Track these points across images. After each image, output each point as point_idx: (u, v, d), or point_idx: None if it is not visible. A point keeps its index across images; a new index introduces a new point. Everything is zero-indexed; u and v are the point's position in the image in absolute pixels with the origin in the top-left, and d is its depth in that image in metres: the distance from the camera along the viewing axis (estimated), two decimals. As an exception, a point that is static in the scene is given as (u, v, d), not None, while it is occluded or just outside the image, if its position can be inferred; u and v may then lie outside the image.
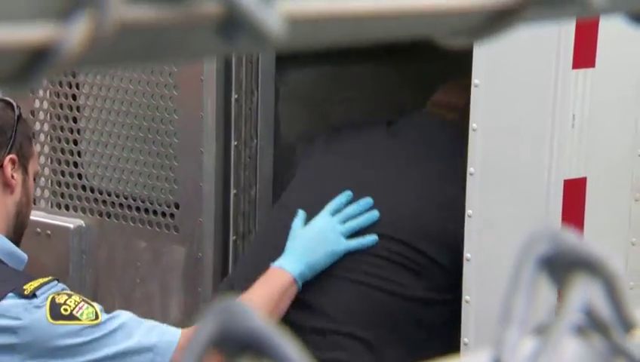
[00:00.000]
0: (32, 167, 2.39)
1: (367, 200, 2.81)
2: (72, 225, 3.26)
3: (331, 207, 2.79)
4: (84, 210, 3.33)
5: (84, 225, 3.30)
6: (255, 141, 3.27)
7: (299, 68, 3.54)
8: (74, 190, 3.29)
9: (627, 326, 0.49)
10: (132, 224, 3.23)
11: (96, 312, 2.17)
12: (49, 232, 3.24)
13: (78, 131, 3.27)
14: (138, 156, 3.20)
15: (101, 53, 0.43)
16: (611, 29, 2.57)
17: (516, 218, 2.65)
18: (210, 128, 3.12)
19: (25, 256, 2.30)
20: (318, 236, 2.72)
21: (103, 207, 3.28)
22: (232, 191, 3.19)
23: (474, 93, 2.69)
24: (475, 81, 2.69)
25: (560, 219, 2.61)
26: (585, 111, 2.60)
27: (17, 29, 0.41)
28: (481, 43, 0.52)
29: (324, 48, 0.49)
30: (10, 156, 2.29)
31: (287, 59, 3.42)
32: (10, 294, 2.10)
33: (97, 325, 2.14)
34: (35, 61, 0.43)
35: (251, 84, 3.20)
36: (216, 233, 3.17)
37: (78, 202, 3.32)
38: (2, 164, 2.28)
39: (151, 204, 3.17)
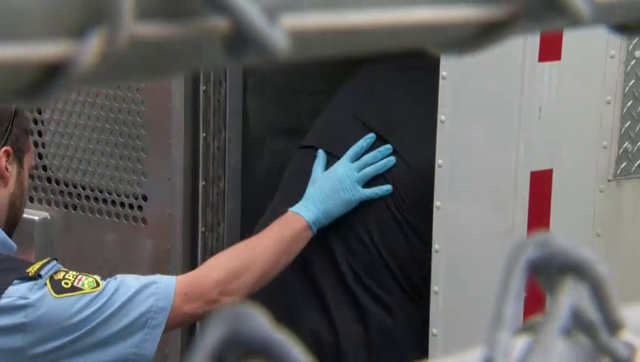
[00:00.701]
0: (28, 161, 2.39)
1: (386, 148, 2.84)
2: (36, 218, 3.26)
3: (352, 151, 2.83)
4: (49, 202, 3.33)
5: (49, 217, 3.29)
6: (223, 133, 3.28)
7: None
8: (38, 182, 3.29)
9: (614, 326, 0.51)
10: (99, 216, 3.23)
11: (96, 280, 2.24)
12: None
13: (42, 122, 3.27)
14: (105, 148, 3.21)
15: (112, 69, 0.45)
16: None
17: (484, 209, 2.68)
18: (179, 120, 3.13)
19: (14, 245, 2.32)
20: (335, 183, 2.77)
21: (68, 200, 3.28)
22: (201, 183, 3.20)
23: (441, 85, 2.71)
24: (442, 73, 2.71)
25: (527, 210, 2.64)
26: (551, 103, 2.63)
27: (33, 45, 0.43)
28: (473, 54, 0.54)
29: (323, 59, 0.51)
30: (5, 148, 2.30)
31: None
32: (16, 281, 2.15)
33: (101, 291, 2.21)
34: (49, 76, 0.44)
35: (219, 76, 3.21)
36: (185, 225, 3.18)
37: (43, 194, 3.32)
38: None
39: (118, 196, 3.18)
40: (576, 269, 0.51)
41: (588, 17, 0.51)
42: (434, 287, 2.67)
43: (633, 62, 2.69)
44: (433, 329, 2.66)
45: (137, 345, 2.20)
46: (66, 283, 2.18)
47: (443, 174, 2.73)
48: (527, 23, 0.52)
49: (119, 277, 2.32)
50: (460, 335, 2.57)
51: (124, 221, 3.21)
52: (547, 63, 2.62)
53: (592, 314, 0.54)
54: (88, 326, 2.15)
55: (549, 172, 2.68)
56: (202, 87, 3.17)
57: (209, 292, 2.38)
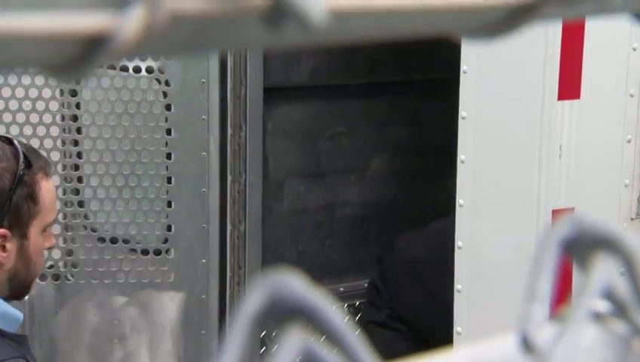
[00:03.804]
0: (37, 226, 2.16)
1: None
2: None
3: None
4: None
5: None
6: (244, 176, 3.29)
7: (287, 103, 3.58)
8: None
9: (647, 301, 0.52)
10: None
11: None
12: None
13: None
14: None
15: (152, 43, 0.46)
16: (595, 61, 2.61)
17: (506, 249, 2.68)
18: (214, 167, 3.10)
19: (20, 314, 2.17)
20: None
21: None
22: (228, 228, 3.18)
23: (462, 125, 2.72)
24: (462, 113, 2.72)
25: (549, 248, 2.63)
26: (571, 141, 2.64)
27: (74, 17, 0.44)
28: (500, 39, 0.55)
29: (352, 44, 0.52)
30: (1, 232, 2.11)
31: (275, 95, 3.45)
32: None
33: None
34: (89, 50, 0.45)
35: (239, 120, 3.22)
36: (222, 267, 3.14)
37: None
38: None
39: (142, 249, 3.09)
40: (609, 245, 0.52)
41: (616, 3, 0.52)
42: (457, 286, 2.67)
43: (653, 100, 2.70)
44: (457, 328, 2.66)
45: None
46: None
47: (464, 214, 2.73)
48: (556, 8, 0.53)
49: None
50: (485, 333, 2.55)
51: (143, 280, 3.12)
52: (567, 102, 2.63)
53: (624, 292, 0.54)
54: None
55: (571, 210, 2.68)
56: (229, 131, 3.17)
57: None
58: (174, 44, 0.45)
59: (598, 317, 0.57)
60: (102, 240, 3.04)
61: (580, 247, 0.53)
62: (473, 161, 2.72)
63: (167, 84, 2.97)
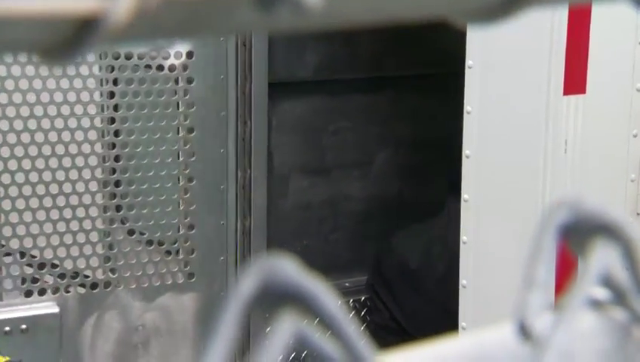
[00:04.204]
0: None
1: None
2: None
3: None
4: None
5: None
6: (249, 171, 3.28)
7: (291, 98, 3.57)
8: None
9: (646, 287, 0.51)
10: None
11: None
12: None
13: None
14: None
15: (145, 27, 0.45)
16: (601, 56, 2.60)
17: (510, 245, 2.67)
18: (232, 164, 3.09)
19: None
20: None
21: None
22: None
23: (467, 120, 2.72)
24: (467, 108, 2.72)
25: (554, 243, 2.63)
26: (577, 136, 2.63)
27: None
28: (499, 23, 0.54)
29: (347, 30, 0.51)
30: None
31: (280, 90, 3.44)
32: None
33: None
34: (81, 32, 0.45)
35: (244, 114, 3.21)
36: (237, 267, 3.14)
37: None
38: None
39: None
40: (607, 231, 0.51)
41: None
42: (462, 281, 2.67)
43: (659, 94, 2.69)
44: (462, 323, 2.65)
45: None
46: None
47: (469, 209, 2.72)
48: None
49: None
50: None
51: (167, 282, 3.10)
52: (572, 96, 2.62)
53: (624, 279, 0.53)
54: None
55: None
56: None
57: None
58: (166, 28, 0.45)
59: (596, 305, 0.56)
60: (137, 242, 3.00)
61: (578, 233, 0.52)
62: (478, 156, 2.71)
63: (189, 81, 2.97)
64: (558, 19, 2.51)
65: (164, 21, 0.44)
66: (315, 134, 3.64)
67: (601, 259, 0.52)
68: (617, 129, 2.68)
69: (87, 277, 2.95)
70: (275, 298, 0.45)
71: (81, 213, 2.93)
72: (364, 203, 3.78)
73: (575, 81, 2.61)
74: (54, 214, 2.90)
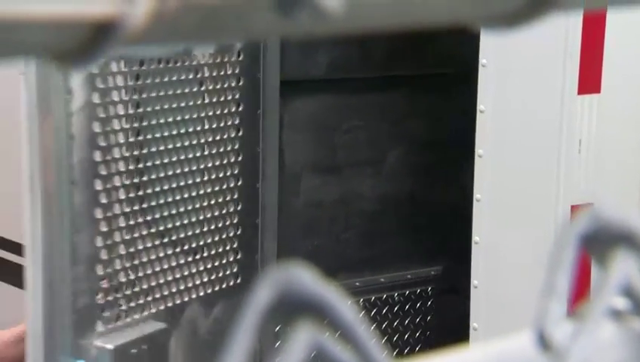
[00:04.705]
0: None
1: None
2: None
3: None
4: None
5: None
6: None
7: (303, 96, 3.57)
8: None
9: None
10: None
11: None
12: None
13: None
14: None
15: (163, 30, 0.45)
16: (616, 55, 2.59)
17: (524, 243, 2.66)
18: (267, 161, 3.07)
19: None
20: None
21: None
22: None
23: (480, 119, 2.71)
24: (480, 107, 2.71)
25: (566, 244, 2.62)
26: (591, 136, 2.62)
27: (82, 3, 0.43)
28: (519, 29, 0.54)
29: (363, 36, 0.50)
30: None
31: (292, 88, 3.44)
32: None
33: None
34: (98, 36, 0.44)
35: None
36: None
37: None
38: None
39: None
40: (628, 240, 0.51)
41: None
42: (474, 281, 2.66)
43: (673, 94, 2.68)
44: (474, 324, 2.64)
45: None
46: None
47: (481, 210, 2.71)
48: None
49: None
50: (502, 328, 2.54)
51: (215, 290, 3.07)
52: (587, 96, 2.61)
53: (644, 289, 0.53)
54: None
55: (590, 206, 2.66)
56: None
57: None
58: (184, 32, 0.44)
59: (616, 315, 0.55)
60: (166, 246, 2.93)
61: (599, 243, 0.51)
62: (491, 156, 2.70)
63: (238, 80, 2.97)
64: (573, 18, 2.50)
65: (182, 25, 0.44)
66: (327, 132, 3.63)
67: (622, 268, 0.51)
68: (632, 129, 2.67)
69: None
70: (292, 308, 0.44)
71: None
72: (376, 202, 3.78)
73: (590, 80, 2.60)
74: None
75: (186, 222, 2.99)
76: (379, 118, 3.74)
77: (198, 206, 3.00)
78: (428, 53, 3.71)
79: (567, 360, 0.50)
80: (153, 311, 2.86)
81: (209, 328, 3.05)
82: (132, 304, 2.80)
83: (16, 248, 3.74)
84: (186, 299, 3.00)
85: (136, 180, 2.84)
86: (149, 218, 2.87)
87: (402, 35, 3.80)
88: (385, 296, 3.75)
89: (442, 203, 3.78)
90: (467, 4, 0.52)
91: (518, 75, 2.64)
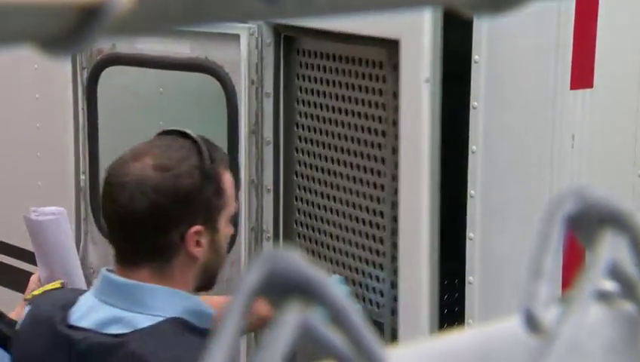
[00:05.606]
0: (225, 216, 2.18)
1: None
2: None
3: None
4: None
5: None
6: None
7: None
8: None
9: (655, 278, 0.51)
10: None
11: None
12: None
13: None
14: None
15: (148, 15, 0.45)
16: (608, 50, 2.59)
17: (516, 239, 2.66)
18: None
19: (210, 311, 2.16)
20: None
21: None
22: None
23: (472, 115, 2.71)
24: (473, 103, 2.71)
25: (561, 238, 2.62)
26: (584, 131, 2.62)
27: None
28: (506, 14, 0.54)
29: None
30: (195, 228, 2.11)
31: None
32: None
33: None
34: (83, 21, 0.44)
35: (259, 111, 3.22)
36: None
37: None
38: (185, 238, 2.10)
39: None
40: (615, 222, 0.51)
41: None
42: (468, 278, 2.66)
43: (667, 88, 2.68)
44: (469, 320, 2.65)
45: None
46: None
47: (475, 205, 2.71)
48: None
49: None
50: None
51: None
52: (580, 91, 2.61)
53: (632, 271, 0.53)
54: None
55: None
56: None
57: None
58: (170, 16, 0.45)
59: (604, 296, 0.56)
60: None
61: (585, 224, 0.52)
62: (484, 152, 2.70)
63: None
64: (565, 12, 2.51)
65: (168, 9, 0.44)
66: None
67: (610, 250, 0.52)
68: (625, 123, 2.67)
69: None
70: (281, 289, 0.44)
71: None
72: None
73: (582, 75, 2.60)
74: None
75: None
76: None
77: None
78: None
79: (556, 341, 0.50)
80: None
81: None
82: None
83: (19, 253, 3.75)
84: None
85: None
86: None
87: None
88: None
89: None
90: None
91: (510, 70, 2.65)
